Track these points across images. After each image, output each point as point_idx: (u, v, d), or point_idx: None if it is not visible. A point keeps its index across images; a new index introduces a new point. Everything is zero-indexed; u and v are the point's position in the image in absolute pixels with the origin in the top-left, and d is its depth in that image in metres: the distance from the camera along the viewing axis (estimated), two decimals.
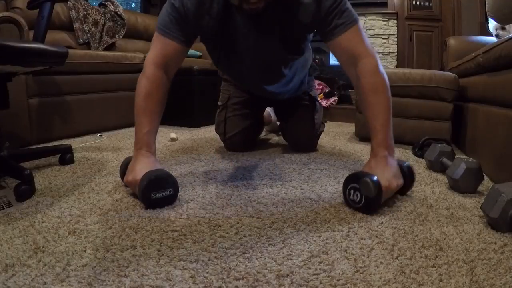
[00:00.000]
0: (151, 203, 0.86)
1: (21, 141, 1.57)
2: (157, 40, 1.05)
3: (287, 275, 0.59)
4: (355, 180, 0.86)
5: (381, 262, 0.63)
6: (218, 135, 1.62)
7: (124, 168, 1.00)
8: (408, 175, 0.96)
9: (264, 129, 1.99)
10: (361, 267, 0.61)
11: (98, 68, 1.96)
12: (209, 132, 2.08)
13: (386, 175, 0.88)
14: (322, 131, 1.66)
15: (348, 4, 1.02)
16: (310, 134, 1.56)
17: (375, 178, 0.83)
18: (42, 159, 1.32)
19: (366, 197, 0.83)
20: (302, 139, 1.57)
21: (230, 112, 1.54)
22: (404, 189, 0.97)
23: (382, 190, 0.84)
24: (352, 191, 0.87)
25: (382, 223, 0.80)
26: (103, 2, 2.58)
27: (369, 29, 3.25)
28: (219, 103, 1.60)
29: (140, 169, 0.90)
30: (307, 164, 1.34)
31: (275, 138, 1.93)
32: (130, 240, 0.70)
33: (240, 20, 1.07)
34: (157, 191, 0.86)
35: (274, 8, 1.02)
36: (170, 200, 0.90)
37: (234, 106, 1.54)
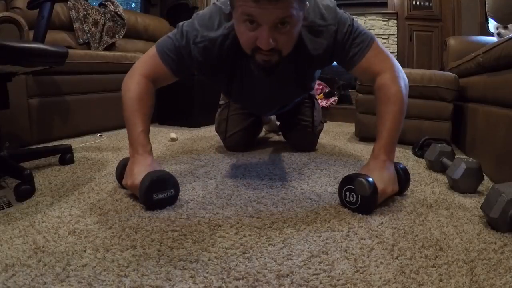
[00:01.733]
0: (152, 204, 0.86)
1: (21, 141, 1.57)
2: (152, 58, 1.04)
3: (287, 275, 0.59)
4: (350, 182, 0.86)
5: (381, 262, 0.63)
6: (218, 135, 1.62)
7: (121, 170, 0.99)
8: (403, 177, 0.97)
9: (264, 129, 1.99)
10: (361, 267, 0.61)
11: (98, 68, 1.96)
12: (209, 132, 2.08)
13: (382, 178, 0.88)
14: (321, 129, 1.67)
15: (360, 27, 1.02)
16: (310, 132, 1.57)
17: (370, 178, 0.84)
18: (42, 159, 1.32)
19: (361, 197, 0.84)
20: (302, 137, 1.58)
21: (233, 110, 1.55)
22: (400, 191, 0.96)
23: (377, 189, 0.84)
24: (347, 193, 0.87)
25: (382, 223, 0.80)
26: (103, 2, 2.58)
27: (369, 29, 3.24)
28: (221, 102, 1.60)
29: (138, 172, 0.89)
30: (307, 164, 1.34)
31: (275, 138, 1.93)
32: (130, 240, 0.70)
33: (256, 72, 0.99)
34: (158, 192, 0.86)
35: (289, 59, 0.99)
36: (171, 201, 0.89)
37: (236, 105, 1.55)
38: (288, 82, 1.16)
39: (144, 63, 1.05)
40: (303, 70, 1.12)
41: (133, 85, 1.01)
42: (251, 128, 1.59)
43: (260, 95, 1.23)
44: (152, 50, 1.05)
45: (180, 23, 1.04)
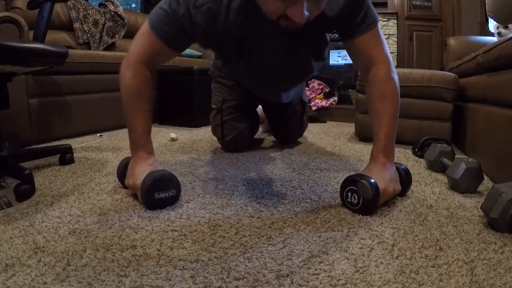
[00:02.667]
0: (154, 203, 0.86)
1: (21, 141, 1.57)
2: (147, 36, 0.94)
3: (287, 275, 0.59)
4: (353, 183, 0.86)
5: (381, 262, 0.63)
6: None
7: (122, 169, 0.99)
8: (405, 177, 0.97)
9: (260, 128, 2.01)
10: (361, 267, 0.61)
11: (98, 68, 1.96)
12: (209, 132, 2.08)
13: (383, 179, 0.88)
14: (306, 127, 1.85)
15: (370, 3, 0.96)
16: (297, 134, 1.78)
17: (373, 180, 0.83)
18: (42, 159, 1.32)
19: (363, 199, 0.84)
20: (290, 138, 1.77)
21: (226, 116, 1.51)
22: (402, 192, 0.97)
23: (379, 192, 0.84)
24: (349, 194, 0.87)
25: (382, 223, 0.80)
26: (103, 2, 2.58)
27: None
28: (213, 106, 1.55)
29: (140, 172, 0.89)
30: (307, 164, 1.34)
31: (273, 138, 1.93)
32: (130, 240, 0.70)
33: (270, 34, 0.96)
34: (160, 191, 0.86)
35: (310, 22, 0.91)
36: (172, 201, 0.90)
37: (230, 110, 1.51)
38: (303, 47, 1.08)
39: (138, 45, 0.96)
40: (319, 33, 1.06)
41: (129, 79, 0.95)
42: (248, 130, 1.57)
43: (272, 69, 1.16)
44: (145, 26, 0.94)
45: None
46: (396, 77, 0.98)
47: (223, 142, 1.54)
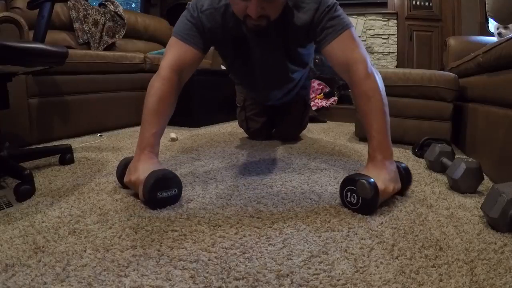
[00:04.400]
0: (156, 202, 0.86)
1: (21, 141, 1.57)
2: (174, 46, 1.08)
3: (287, 275, 0.59)
4: (352, 182, 0.86)
5: (381, 262, 0.63)
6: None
7: (122, 169, 0.99)
8: (405, 176, 0.97)
9: None
10: (361, 267, 0.61)
11: (98, 68, 1.96)
12: (209, 132, 2.08)
13: (382, 178, 0.88)
14: (306, 126, 1.93)
15: (341, 11, 1.06)
16: (296, 130, 1.88)
17: (372, 180, 0.83)
18: (42, 159, 1.32)
19: (363, 199, 0.84)
20: (289, 135, 1.87)
21: (249, 111, 1.80)
22: (402, 190, 0.97)
23: (378, 191, 0.84)
24: (349, 193, 0.87)
25: (382, 223, 0.80)
26: (103, 2, 2.58)
27: (369, 29, 3.25)
28: (237, 104, 1.85)
29: (144, 169, 0.90)
30: (307, 164, 1.34)
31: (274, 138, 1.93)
32: (130, 240, 0.70)
33: (250, 36, 1.15)
34: (163, 190, 0.86)
35: (277, 24, 1.08)
36: (174, 200, 0.90)
37: (251, 107, 1.79)
38: (276, 50, 1.22)
39: (169, 54, 1.07)
40: (288, 38, 1.17)
41: (157, 82, 1.03)
42: (268, 122, 1.83)
43: (257, 69, 1.32)
44: (172, 39, 1.10)
45: (188, 3, 1.13)
46: (375, 73, 0.99)
47: (249, 133, 1.86)
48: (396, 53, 3.19)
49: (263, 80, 1.41)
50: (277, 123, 1.87)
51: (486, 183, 1.10)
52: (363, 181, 0.83)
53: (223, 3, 1.09)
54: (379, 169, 0.91)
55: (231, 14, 1.09)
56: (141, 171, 0.89)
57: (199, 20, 1.09)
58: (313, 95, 2.98)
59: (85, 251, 0.65)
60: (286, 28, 1.11)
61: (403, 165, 0.99)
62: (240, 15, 1.00)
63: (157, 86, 1.02)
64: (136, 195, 0.93)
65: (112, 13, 2.54)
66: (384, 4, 3.28)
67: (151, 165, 0.92)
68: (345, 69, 1.03)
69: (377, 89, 0.97)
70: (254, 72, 1.35)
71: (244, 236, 0.73)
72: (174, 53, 1.07)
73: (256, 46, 1.21)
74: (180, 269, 0.60)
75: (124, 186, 1.00)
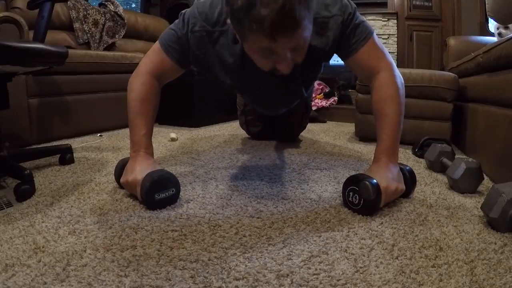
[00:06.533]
0: (154, 204, 0.86)
1: (21, 141, 1.57)
2: (157, 53, 1.04)
3: (287, 275, 0.59)
4: (354, 183, 0.86)
5: (381, 262, 0.63)
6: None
7: (120, 170, 0.99)
8: (409, 179, 0.96)
9: None
10: (361, 267, 0.61)
11: (98, 68, 1.96)
12: (209, 132, 2.08)
13: (386, 179, 0.87)
14: (305, 126, 1.90)
15: (360, 16, 0.98)
16: (296, 133, 1.88)
17: (374, 181, 0.83)
18: (42, 159, 1.32)
19: (364, 200, 0.83)
20: (289, 136, 1.87)
21: (249, 115, 1.81)
22: (406, 193, 0.96)
23: (381, 193, 0.83)
24: (351, 193, 0.87)
25: (382, 223, 0.80)
26: (103, 2, 2.58)
27: None
28: (238, 107, 1.84)
29: (140, 169, 0.89)
30: (307, 164, 1.34)
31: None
32: (130, 240, 0.70)
33: (262, 75, 0.96)
34: (160, 191, 0.86)
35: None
36: (172, 200, 0.90)
37: (251, 111, 1.79)
38: (296, 84, 1.12)
39: (149, 60, 1.05)
40: (314, 65, 1.09)
41: (137, 85, 1.01)
42: (268, 124, 1.83)
43: (264, 96, 1.23)
44: (156, 45, 1.05)
45: (183, 11, 1.02)
46: (399, 81, 0.99)
47: (250, 134, 1.89)
48: (396, 53, 3.19)
49: (270, 102, 1.33)
50: (278, 124, 1.86)
51: (486, 183, 1.10)
52: (366, 182, 0.83)
53: (218, 29, 0.97)
54: (383, 170, 0.90)
55: (224, 44, 0.98)
56: (138, 171, 0.89)
57: (186, 39, 0.99)
58: (313, 95, 2.98)
59: (85, 251, 0.65)
60: (312, 56, 0.96)
61: (407, 168, 0.98)
62: (265, 69, 0.87)
63: (139, 89, 1.01)
64: (135, 196, 0.93)
65: (112, 13, 2.54)
66: (384, 4, 3.28)
67: (148, 165, 0.92)
68: (369, 75, 1.02)
69: (396, 97, 0.97)
70: (259, 97, 1.27)
71: (244, 236, 0.73)
72: (154, 61, 1.04)
73: (270, 84, 1.08)
74: (180, 269, 0.60)
75: (122, 186, 1.00)
